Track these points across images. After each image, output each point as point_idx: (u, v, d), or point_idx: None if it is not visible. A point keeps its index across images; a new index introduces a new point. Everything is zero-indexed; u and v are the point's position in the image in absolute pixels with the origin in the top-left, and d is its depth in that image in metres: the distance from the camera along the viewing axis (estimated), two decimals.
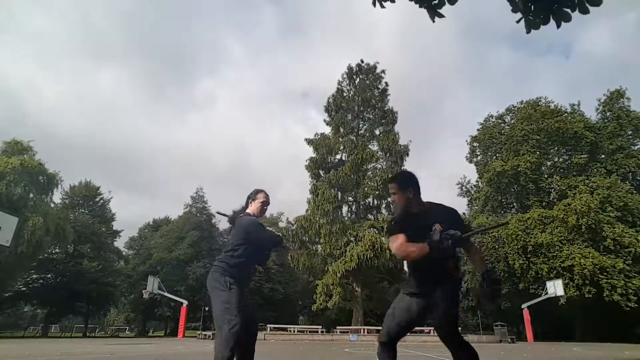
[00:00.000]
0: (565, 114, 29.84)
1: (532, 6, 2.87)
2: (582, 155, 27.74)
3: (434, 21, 3.11)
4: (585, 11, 2.73)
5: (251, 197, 2.85)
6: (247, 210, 2.81)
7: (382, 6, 3.26)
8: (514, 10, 2.91)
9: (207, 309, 32.69)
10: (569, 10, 2.78)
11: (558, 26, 2.84)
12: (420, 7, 3.14)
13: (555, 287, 21.43)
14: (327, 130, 28.30)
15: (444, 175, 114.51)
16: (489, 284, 2.07)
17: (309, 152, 27.27)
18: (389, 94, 28.50)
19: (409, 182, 2.23)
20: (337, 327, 23.67)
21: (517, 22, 2.88)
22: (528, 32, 2.92)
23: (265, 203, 2.84)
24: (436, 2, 3.06)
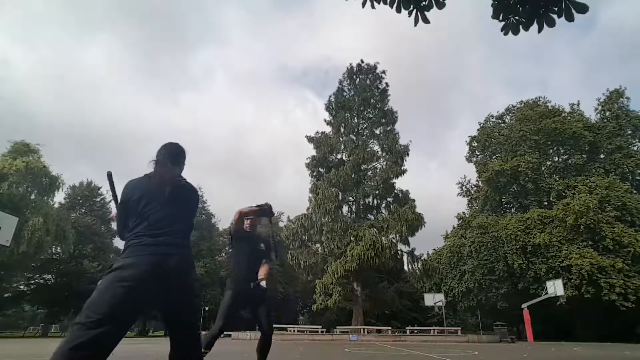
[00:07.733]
0: (564, 114, 29.92)
1: (520, 7, 2.88)
2: (581, 155, 27.79)
3: (415, 24, 3.07)
4: (570, 18, 2.71)
5: (184, 157, 2.04)
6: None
7: (373, 7, 3.26)
8: (495, 13, 2.93)
9: (207, 308, 32.66)
10: (555, 16, 2.77)
11: (539, 30, 2.85)
12: (400, 10, 3.10)
13: (555, 287, 21.45)
14: (327, 119, 28.35)
15: (455, 164, 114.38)
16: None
17: (309, 144, 27.31)
18: (389, 94, 28.53)
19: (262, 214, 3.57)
20: (337, 327, 23.69)
21: (501, 20, 2.95)
22: (506, 34, 2.97)
23: None
24: (425, 3, 3.03)
